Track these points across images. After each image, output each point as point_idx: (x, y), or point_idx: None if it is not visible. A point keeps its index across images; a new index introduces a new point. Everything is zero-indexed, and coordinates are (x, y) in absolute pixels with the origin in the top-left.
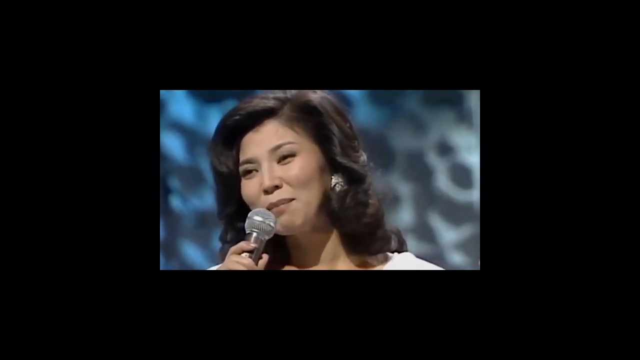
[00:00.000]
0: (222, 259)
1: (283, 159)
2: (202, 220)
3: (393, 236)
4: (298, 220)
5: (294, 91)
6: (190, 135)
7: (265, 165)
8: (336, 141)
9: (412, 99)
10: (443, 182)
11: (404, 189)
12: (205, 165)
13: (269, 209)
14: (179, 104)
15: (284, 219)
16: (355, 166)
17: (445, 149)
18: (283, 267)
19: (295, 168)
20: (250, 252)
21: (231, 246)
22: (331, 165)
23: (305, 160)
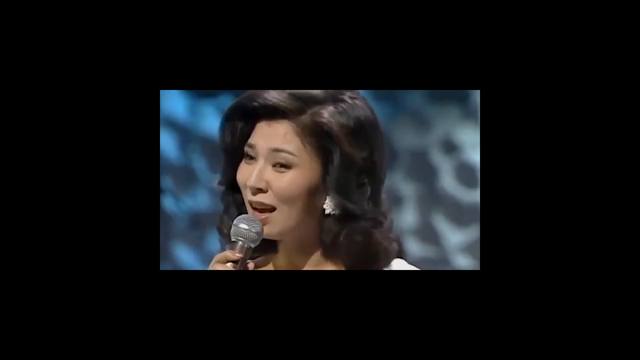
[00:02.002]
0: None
1: (279, 165)
2: (195, 221)
3: (393, 249)
4: (275, 230)
5: (321, 97)
6: (182, 133)
7: (259, 164)
8: (334, 174)
9: (415, 95)
10: (448, 181)
11: (407, 189)
12: (199, 164)
13: (250, 203)
14: (171, 100)
15: (265, 228)
16: (349, 204)
17: (450, 147)
18: (271, 261)
19: (285, 181)
20: (235, 261)
21: (227, 222)
22: (326, 191)
23: (298, 177)
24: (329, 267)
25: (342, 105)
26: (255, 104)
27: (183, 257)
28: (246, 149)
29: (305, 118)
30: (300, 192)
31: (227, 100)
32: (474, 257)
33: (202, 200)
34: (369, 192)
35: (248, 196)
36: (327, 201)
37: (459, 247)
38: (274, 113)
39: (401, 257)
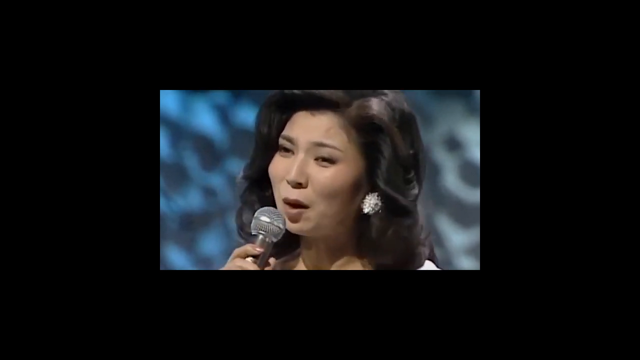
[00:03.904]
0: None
1: (321, 159)
2: (187, 222)
3: (425, 251)
4: (308, 226)
5: (370, 92)
6: (173, 129)
7: (300, 157)
8: (385, 166)
9: (417, 92)
10: (451, 180)
11: None
12: (190, 162)
13: (285, 201)
14: (162, 96)
15: (295, 225)
16: (400, 198)
17: (454, 145)
18: (293, 260)
19: (327, 176)
20: (255, 256)
21: (245, 215)
22: (372, 187)
23: (341, 172)
24: (352, 269)
25: (385, 97)
26: (299, 92)
27: (174, 258)
28: (281, 141)
29: (352, 111)
30: (343, 187)
31: (219, 96)
32: (479, 259)
33: (194, 199)
34: (417, 189)
35: (283, 191)
36: (367, 199)
37: (463, 248)
38: (318, 104)
39: (432, 260)
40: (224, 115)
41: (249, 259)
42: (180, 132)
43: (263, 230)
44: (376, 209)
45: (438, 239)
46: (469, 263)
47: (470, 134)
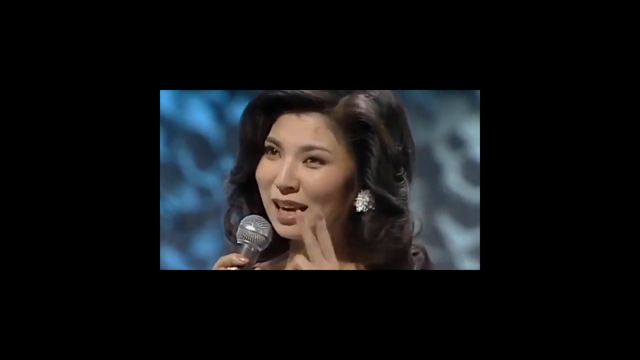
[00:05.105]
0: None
1: (311, 160)
2: (181, 222)
3: (418, 257)
4: (301, 230)
5: (355, 92)
6: (167, 126)
7: (288, 161)
8: (374, 165)
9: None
10: (453, 179)
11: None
12: (185, 161)
13: (276, 204)
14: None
15: (291, 229)
16: (391, 197)
17: (456, 143)
18: (283, 261)
19: (318, 178)
20: (240, 266)
21: (234, 213)
22: (363, 186)
23: (332, 172)
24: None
25: (372, 93)
26: (283, 94)
27: (168, 259)
28: (268, 143)
29: (338, 110)
30: (335, 188)
31: (214, 94)
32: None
33: (188, 199)
34: (407, 187)
35: (273, 195)
36: (359, 198)
37: (465, 249)
38: (303, 105)
39: (426, 269)
40: (219, 113)
41: (233, 269)
42: (175, 130)
43: (248, 240)
44: (369, 207)
45: (439, 241)
46: (471, 264)
47: (472, 132)
